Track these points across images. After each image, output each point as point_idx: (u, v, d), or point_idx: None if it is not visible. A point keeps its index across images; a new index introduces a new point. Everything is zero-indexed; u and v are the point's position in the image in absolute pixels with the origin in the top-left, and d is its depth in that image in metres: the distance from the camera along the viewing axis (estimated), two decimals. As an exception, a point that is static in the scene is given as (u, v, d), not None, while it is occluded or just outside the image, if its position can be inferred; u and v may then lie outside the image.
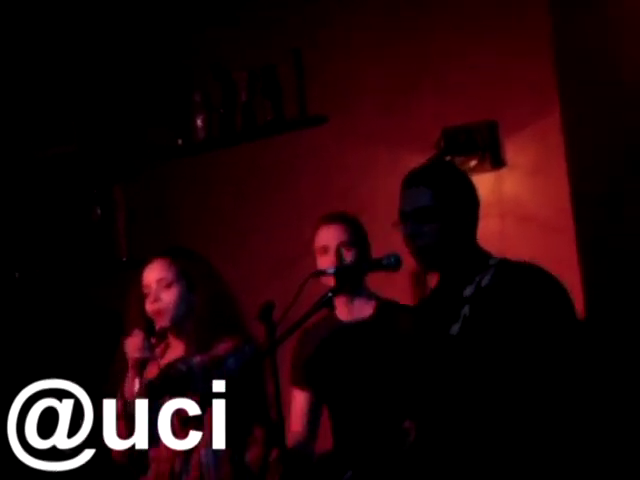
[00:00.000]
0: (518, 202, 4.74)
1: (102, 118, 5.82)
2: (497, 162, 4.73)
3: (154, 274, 3.59)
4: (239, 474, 3.49)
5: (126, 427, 3.42)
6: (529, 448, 2.82)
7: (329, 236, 3.83)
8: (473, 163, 4.68)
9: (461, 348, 2.91)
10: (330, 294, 3.19)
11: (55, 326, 5.71)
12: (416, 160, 4.76)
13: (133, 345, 3.41)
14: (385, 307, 3.83)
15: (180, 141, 5.54)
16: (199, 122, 5.48)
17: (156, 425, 3.42)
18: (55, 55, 5.87)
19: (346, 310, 3.86)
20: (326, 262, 3.75)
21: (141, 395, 3.38)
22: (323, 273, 3.65)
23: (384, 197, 4.77)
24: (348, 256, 3.79)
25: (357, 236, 3.87)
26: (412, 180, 3.05)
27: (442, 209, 2.97)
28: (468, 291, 2.97)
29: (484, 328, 2.89)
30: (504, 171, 4.76)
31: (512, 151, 4.74)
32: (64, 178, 5.86)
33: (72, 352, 5.55)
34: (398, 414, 3.42)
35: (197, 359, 3.46)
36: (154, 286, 3.56)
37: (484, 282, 2.96)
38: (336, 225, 3.86)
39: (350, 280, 3.45)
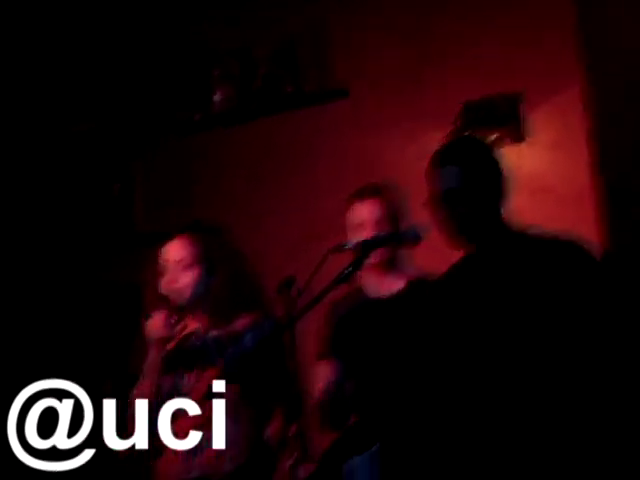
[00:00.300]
0: (538, 176, 4.71)
1: (121, 94, 5.81)
2: (517, 136, 4.71)
3: (174, 253, 3.56)
4: (257, 449, 3.49)
5: (151, 404, 3.43)
6: (584, 421, 2.85)
7: (365, 212, 3.77)
8: (493, 137, 4.66)
9: (506, 320, 2.93)
10: (349, 269, 3.18)
11: (74, 301, 5.72)
12: (437, 135, 4.75)
13: (155, 324, 3.40)
14: (416, 282, 3.82)
15: (198, 116, 5.53)
16: (218, 96, 5.46)
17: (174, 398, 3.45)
18: (74, 33, 5.86)
19: (377, 284, 3.85)
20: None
21: (159, 368, 3.40)
22: (342, 248, 3.62)
23: (405, 172, 4.76)
24: (385, 232, 3.77)
25: (393, 210, 3.84)
26: (441, 160, 3.05)
27: (473, 188, 2.97)
28: (504, 265, 2.98)
29: (529, 300, 2.91)
30: (524, 145, 4.73)
31: (534, 125, 4.72)
32: (83, 154, 5.86)
33: (91, 328, 5.57)
34: (430, 387, 3.42)
35: (213, 333, 3.47)
36: (172, 265, 3.54)
37: (520, 256, 2.98)
38: (372, 200, 3.80)
39: (368, 254, 3.43)
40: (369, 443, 3.57)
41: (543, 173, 4.72)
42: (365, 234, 3.68)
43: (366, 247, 3.27)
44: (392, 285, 3.81)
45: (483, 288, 3.02)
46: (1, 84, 5.84)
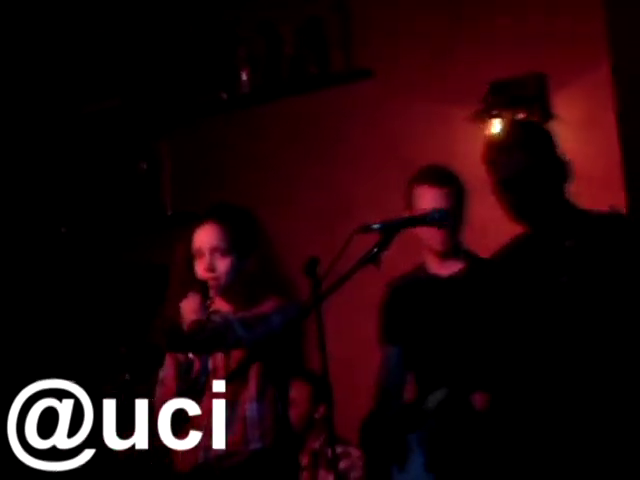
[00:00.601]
0: (567, 155, 4.68)
1: (147, 73, 5.82)
2: (545, 115, 4.68)
3: (208, 240, 3.54)
4: (281, 428, 3.50)
5: (179, 386, 3.46)
6: None
7: (438, 200, 3.75)
8: (521, 116, 4.64)
9: (574, 296, 2.97)
10: (375, 249, 3.18)
11: (101, 280, 5.75)
12: (463, 115, 4.74)
13: (189, 307, 3.40)
14: (476, 263, 3.82)
15: (225, 95, 5.53)
16: (244, 76, 5.46)
17: (199, 379, 3.47)
18: (101, 10, 5.87)
19: (437, 265, 3.86)
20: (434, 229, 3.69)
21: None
22: (368, 229, 3.61)
23: (431, 153, 4.76)
24: (452, 222, 3.74)
25: (461, 199, 3.82)
26: (503, 146, 3.08)
27: (536, 173, 3.02)
28: (570, 243, 3.03)
29: (595, 277, 2.95)
30: (552, 124, 4.70)
31: (561, 104, 4.69)
32: (110, 133, 5.87)
33: (117, 305, 5.60)
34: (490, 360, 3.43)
35: (238, 314, 3.48)
36: (208, 253, 3.52)
37: (585, 234, 3.03)
38: (446, 188, 3.79)
39: (394, 235, 3.43)
40: (420, 423, 3.65)
41: (570, 152, 4.67)
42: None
43: (392, 228, 3.26)
44: (453, 264, 3.84)
45: (543, 266, 3.05)
46: (27, 62, 5.87)
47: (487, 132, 4.74)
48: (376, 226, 3.41)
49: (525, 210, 3.03)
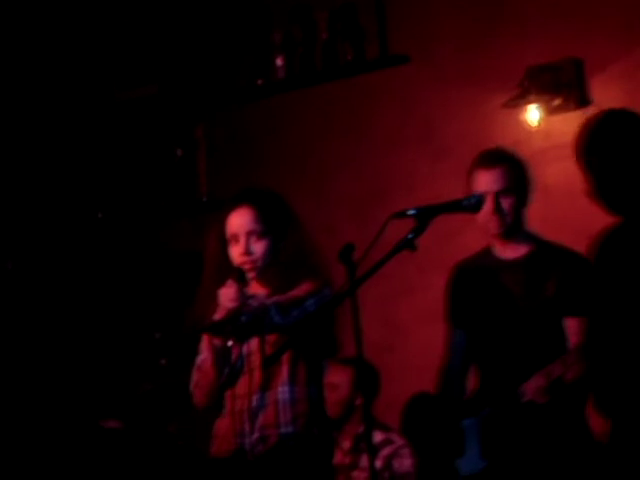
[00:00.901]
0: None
1: (183, 59, 5.83)
2: (582, 101, 4.64)
3: (244, 224, 3.55)
4: (314, 412, 3.52)
5: (216, 371, 3.49)
6: None
7: (489, 181, 3.76)
8: (557, 102, 4.61)
9: None
10: (411, 235, 3.18)
11: (136, 265, 5.79)
12: (499, 100, 4.72)
13: (227, 295, 3.41)
14: (542, 247, 3.82)
15: (260, 81, 5.53)
16: (279, 62, 5.45)
17: (235, 364, 3.48)
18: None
19: (501, 248, 3.86)
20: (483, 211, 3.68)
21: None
22: (403, 214, 3.61)
23: (467, 136, 4.74)
24: (506, 204, 3.76)
25: (517, 180, 3.81)
26: (601, 138, 3.10)
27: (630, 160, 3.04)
28: None
29: None
30: (589, 110, 4.66)
31: (598, 89, 4.65)
32: (146, 119, 5.90)
33: (153, 291, 5.63)
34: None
35: (273, 298, 3.49)
36: (244, 237, 3.54)
37: None
38: (496, 169, 3.78)
39: (429, 221, 3.42)
40: (480, 408, 3.69)
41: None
42: (488, 205, 3.67)
43: (427, 214, 3.26)
44: (518, 248, 3.83)
45: (633, 254, 3.06)
46: (65, 49, 5.90)
47: (522, 117, 4.73)
48: (411, 212, 3.41)
49: (621, 200, 3.04)
